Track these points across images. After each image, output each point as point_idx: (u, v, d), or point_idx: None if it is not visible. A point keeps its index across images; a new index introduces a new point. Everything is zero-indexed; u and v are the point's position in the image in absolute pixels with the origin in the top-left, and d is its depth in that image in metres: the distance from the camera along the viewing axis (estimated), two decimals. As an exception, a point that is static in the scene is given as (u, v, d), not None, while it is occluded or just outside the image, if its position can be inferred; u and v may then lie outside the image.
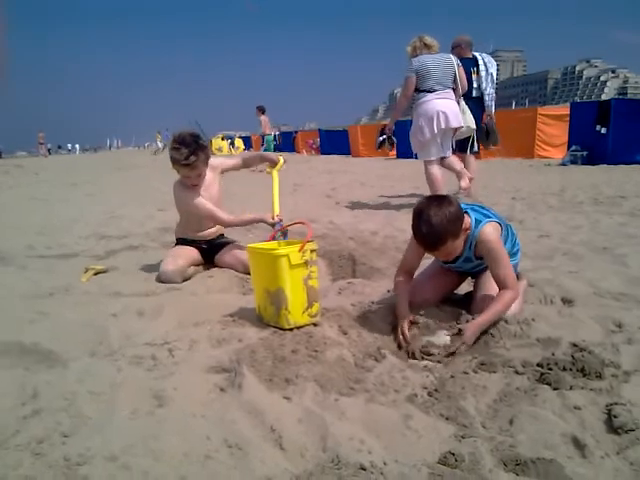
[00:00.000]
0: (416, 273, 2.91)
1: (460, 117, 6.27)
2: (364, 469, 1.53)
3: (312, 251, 2.67)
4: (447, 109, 6.06)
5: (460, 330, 2.41)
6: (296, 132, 35.40)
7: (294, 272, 2.61)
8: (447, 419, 1.83)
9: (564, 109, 15.68)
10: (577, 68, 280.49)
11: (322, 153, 27.69)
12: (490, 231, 2.60)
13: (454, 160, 6.54)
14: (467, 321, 2.55)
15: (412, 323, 2.60)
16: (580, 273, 3.48)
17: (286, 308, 2.59)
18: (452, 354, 2.34)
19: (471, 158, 7.33)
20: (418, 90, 6.14)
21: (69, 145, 75.91)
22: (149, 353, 2.36)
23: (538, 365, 2.14)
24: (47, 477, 1.50)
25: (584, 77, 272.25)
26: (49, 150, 41.52)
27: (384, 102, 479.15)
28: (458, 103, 6.32)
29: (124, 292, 3.37)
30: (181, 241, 3.98)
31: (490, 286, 2.69)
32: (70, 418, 1.81)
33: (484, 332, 2.50)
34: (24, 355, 2.38)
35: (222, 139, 29.83)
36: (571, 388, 1.95)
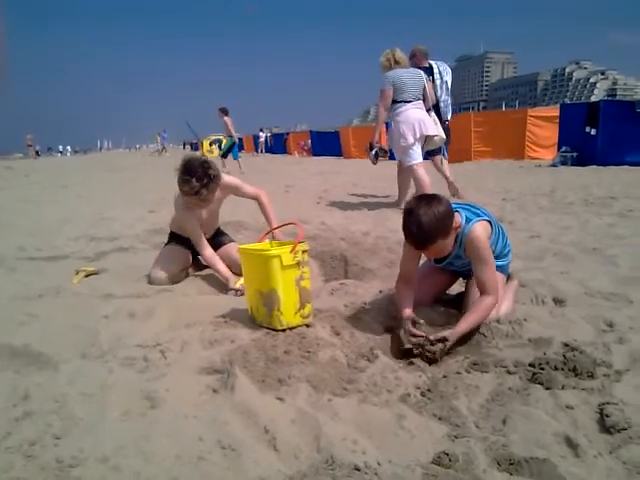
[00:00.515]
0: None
1: (434, 125, 6.73)
2: (358, 469, 1.53)
3: (304, 252, 2.67)
4: (424, 118, 6.56)
5: (445, 339, 2.37)
6: (288, 134, 35.39)
7: (286, 273, 2.61)
8: (440, 419, 1.83)
9: (554, 110, 15.76)
10: (567, 70, 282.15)
11: (314, 155, 27.69)
12: (479, 231, 2.59)
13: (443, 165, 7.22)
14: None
15: (414, 323, 2.55)
16: (571, 273, 3.50)
17: (278, 309, 2.59)
18: (431, 358, 2.34)
19: (445, 162, 7.75)
20: (395, 101, 6.55)
21: (60, 147, 75.45)
22: (141, 354, 2.35)
23: (530, 365, 2.15)
24: (39, 479, 1.49)
25: (574, 79, 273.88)
26: (37, 152, 41.20)
27: (375, 104, 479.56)
28: (429, 113, 6.78)
29: (115, 294, 3.35)
30: (174, 235, 3.93)
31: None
32: (61, 420, 1.80)
33: (476, 332, 2.51)
34: (14, 357, 2.37)
35: (210, 144, 29.73)
36: (563, 388, 1.96)
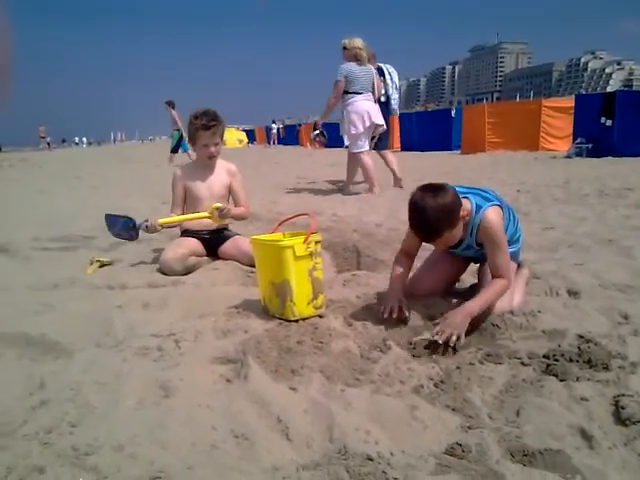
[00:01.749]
0: (418, 261, 2.91)
1: (380, 116, 7.58)
2: (371, 460, 1.53)
3: (317, 242, 2.67)
4: (372, 109, 7.45)
5: (446, 318, 2.36)
6: (300, 125, 35.33)
7: (299, 264, 2.61)
8: (453, 410, 1.83)
9: (569, 101, 15.63)
10: (582, 60, 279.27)
11: (326, 146, 27.59)
12: (493, 216, 2.54)
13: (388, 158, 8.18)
14: None
15: (400, 312, 2.55)
16: (585, 265, 3.47)
17: (291, 300, 2.59)
18: (447, 345, 2.30)
19: (388, 152, 8.54)
20: (347, 92, 7.41)
21: (76, 138, 76.05)
22: (155, 344, 2.37)
23: (544, 356, 2.14)
24: (56, 466, 1.50)
25: (589, 69, 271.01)
26: (48, 144, 41.30)
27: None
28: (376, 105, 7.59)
29: (129, 284, 3.37)
30: (184, 233, 3.99)
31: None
32: (77, 408, 1.82)
33: (490, 324, 2.50)
34: (30, 346, 2.39)
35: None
36: (577, 379, 1.95)
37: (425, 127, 19.61)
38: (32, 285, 3.38)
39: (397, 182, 8.21)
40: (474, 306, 2.41)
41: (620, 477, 1.46)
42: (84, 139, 75.47)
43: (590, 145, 12.62)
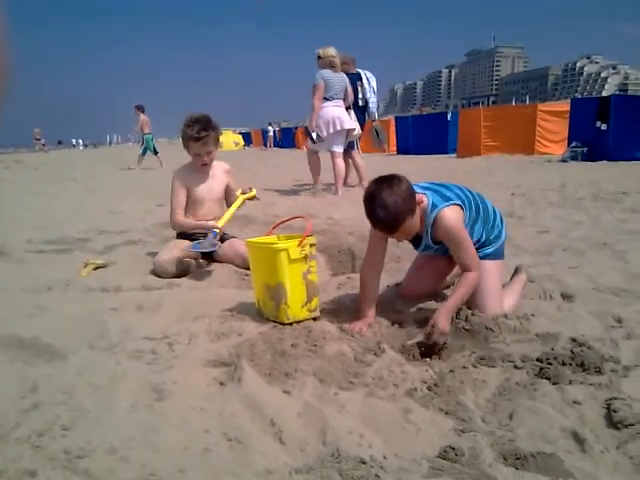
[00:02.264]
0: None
1: (350, 121, 7.97)
2: (364, 463, 1.53)
3: (311, 245, 2.67)
4: (342, 115, 7.83)
5: (432, 326, 2.36)
6: (296, 128, 35.37)
7: (293, 266, 2.61)
8: (446, 413, 1.83)
9: (564, 105, 15.68)
10: (578, 64, 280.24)
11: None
12: (447, 215, 2.52)
13: (357, 160, 8.65)
14: (466, 317, 2.56)
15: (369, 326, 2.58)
16: (580, 269, 3.48)
17: (285, 303, 2.59)
18: (435, 347, 2.33)
19: (357, 155, 8.82)
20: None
21: (73, 140, 75.94)
22: (148, 347, 2.37)
23: (537, 360, 2.14)
24: (47, 470, 1.50)
25: (585, 73, 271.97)
26: (43, 145, 41.13)
27: (384, 99, 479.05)
28: (347, 111, 8.01)
29: (123, 287, 3.37)
30: (180, 235, 3.99)
31: (485, 283, 2.66)
32: (70, 411, 1.81)
33: (484, 327, 2.50)
34: (23, 349, 2.38)
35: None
36: (570, 383, 1.95)
37: (421, 131, 19.65)
38: (26, 287, 3.37)
39: (365, 181, 8.23)
40: (450, 304, 2.47)
41: (612, 480, 1.46)
42: (80, 141, 75.33)
43: (585, 149, 12.66)
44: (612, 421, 1.70)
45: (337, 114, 7.75)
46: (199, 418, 1.77)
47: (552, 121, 15.48)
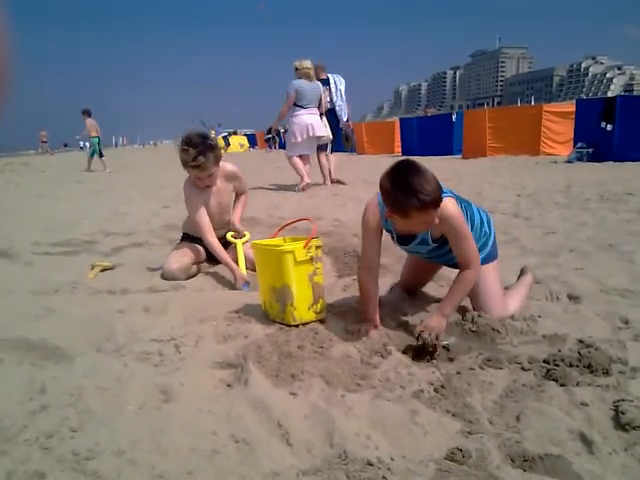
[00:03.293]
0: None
1: (323, 128, 8.72)
2: (371, 465, 1.53)
3: (317, 247, 2.67)
4: (315, 122, 8.57)
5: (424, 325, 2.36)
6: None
7: (299, 268, 2.61)
8: (453, 415, 1.83)
9: (570, 106, 15.61)
10: (583, 65, 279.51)
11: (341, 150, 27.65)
12: (452, 206, 2.42)
13: (323, 164, 9.38)
14: (472, 318, 2.56)
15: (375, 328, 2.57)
16: (586, 270, 3.47)
17: (292, 304, 2.59)
18: (426, 348, 2.30)
19: (330, 157, 9.58)
20: (295, 105, 8.56)
21: (81, 143, 76.79)
22: (155, 349, 2.37)
23: (544, 361, 2.14)
24: (56, 471, 1.51)
25: (590, 74, 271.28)
26: (47, 150, 41.21)
27: (389, 100, 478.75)
28: (321, 117, 8.75)
29: (130, 289, 3.38)
30: (187, 236, 3.97)
31: (485, 287, 2.66)
32: (77, 413, 1.82)
33: (490, 328, 2.50)
34: (31, 351, 2.39)
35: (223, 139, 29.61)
36: (578, 384, 1.95)
37: (426, 132, 19.62)
38: (33, 289, 3.39)
39: (328, 180, 9.48)
40: (446, 307, 2.44)
41: (620, 482, 1.46)
42: (87, 144, 75.96)
43: (591, 150, 12.60)
44: (620, 423, 1.70)
45: (310, 121, 8.54)
46: (206, 420, 1.78)
47: (557, 122, 15.42)
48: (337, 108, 9.39)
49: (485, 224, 2.77)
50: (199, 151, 3.48)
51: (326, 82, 9.21)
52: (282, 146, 19.76)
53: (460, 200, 2.63)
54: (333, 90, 9.31)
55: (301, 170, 8.83)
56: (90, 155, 17.41)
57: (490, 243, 2.77)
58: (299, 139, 8.54)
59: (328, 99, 9.17)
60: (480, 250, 2.66)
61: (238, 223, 3.97)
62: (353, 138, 10.35)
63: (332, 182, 9.35)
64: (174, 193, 8.53)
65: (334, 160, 9.74)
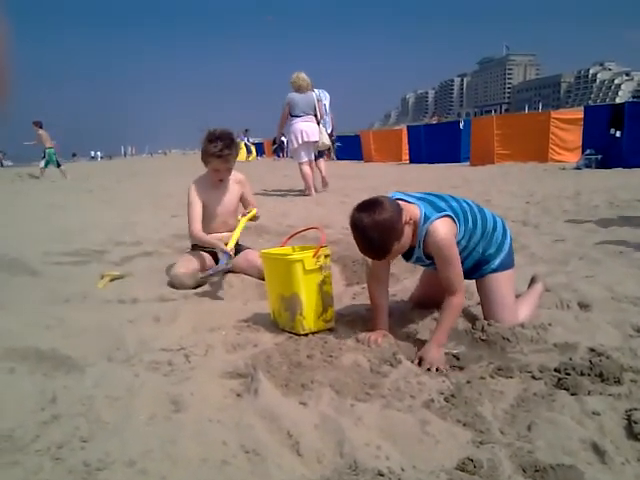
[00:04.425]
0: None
1: (317, 134, 9.45)
2: (382, 475, 1.52)
3: (326, 256, 2.68)
4: (308, 129, 9.34)
5: (420, 359, 2.34)
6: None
7: (308, 277, 2.62)
8: (464, 425, 1.82)
9: (578, 113, 15.57)
10: (591, 71, 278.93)
11: (339, 159, 27.73)
12: (439, 228, 2.43)
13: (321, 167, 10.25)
14: (482, 327, 2.55)
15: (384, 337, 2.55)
16: (596, 277, 3.45)
17: (301, 313, 2.60)
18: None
19: (321, 162, 10.37)
20: (291, 115, 9.39)
21: (92, 152, 78.66)
22: (165, 358, 2.38)
23: (555, 370, 2.13)
24: (67, 482, 1.51)
25: (598, 80, 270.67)
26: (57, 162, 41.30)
27: (396, 107, 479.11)
28: (318, 125, 9.47)
29: (140, 298, 3.39)
30: (197, 247, 4.00)
31: (497, 296, 2.66)
32: (88, 423, 1.83)
33: (500, 337, 2.49)
34: (42, 361, 2.40)
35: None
36: (589, 393, 1.94)
37: (434, 139, 19.63)
38: (43, 299, 3.40)
39: (324, 183, 10.30)
40: (439, 336, 2.40)
41: (634, 493, 1.44)
42: (99, 153, 77.31)
43: (599, 156, 12.55)
44: (632, 432, 1.69)
45: (303, 128, 9.32)
46: (216, 430, 1.78)
47: (566, 129, 15.38)
48: (324, 121, 10.10)
49: (499, 230, 2.75)
50: (226, 144, 3.78)
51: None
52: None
53: (465, 210, 2.61)
54: (321, 104, 9.99)
55: (309, 182, 9.53)
56: (44, 166, 17.79)
57: (504, 250, 2.74)
58: (295, 144, 9.34)
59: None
60: (494, 256, 2.68)
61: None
62: (334, 148, 11.52)
63: (324, 185, 10.25)
64: (183, 202, 8.55)
65: (324, 166, 10.53)
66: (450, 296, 2.45)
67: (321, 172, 10.26)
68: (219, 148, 3.75)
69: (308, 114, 9.38)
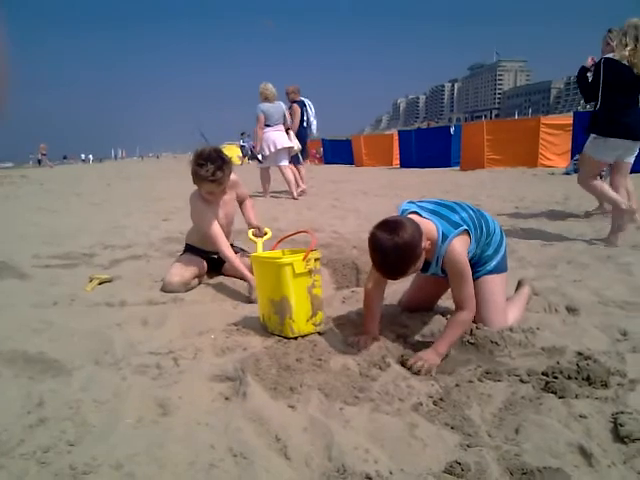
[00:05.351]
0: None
1: (286, 141, 9.88)
2: (370, 478, 1.53)
3: (316, 260, 2.68)
4: (277, 137, 9.81)
5: (415, 359, 2.33)
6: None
7: (298, 281, 2.61)
8: (452, 428, 1.82)
9: (567, 118, 15.69)
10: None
11: (325, 162, 27.77)
12: (457, 247, 2.44)
13: (301, 172, 10.65)
14: (471, 331, 2.56)
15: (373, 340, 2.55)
16: (584, 282, 3.48)
17: (290, 317, 2.59)
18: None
19: (300, 167, 10.77)
20: (265, 124, 9.76)
21: (82, 155, 78.48)
22: (154, 362, 2.37)
23: (543, 374, 2.14)
24: (53, 486, 1.50)
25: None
26: (39, 161, 41.08)
27: (387, 112, 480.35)
28: (287, 133, 9.95)
29: (128, 301, 3.37)
30: (191, 248, 3.96)
31: (490, 297, 2.66)
32: (75, 427, 1.82)
33: (489, 341, 2.50)
34: (29, 364, 2.39)
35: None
36: (576, 397, 1.95)
37: (424, 144, 19.69)
38: (32, 302, 3.38)
39: (302, 190, 10.47)
40: (443, 347, 2.40)
41: (620, 495, 1.45)
42: (90, 156, 76.96)
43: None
44: (619, 435, 1.70)
45: (275, 137, 9.78)
46: (204, 433, 1.77)
47: (555, 134, 15.47)
48: (312, 126, 10.81)
49: (497, 234, 2.79)
50: (217, 166, 3.49)
51: (302, 103, 10.56)
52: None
53: (473, 218, 2.63)
54: (309, 111, 10.66)
55: (266, 185, 10.33)
56: None
57: (500, 253, 2.78)
58: (266, 152, 9.81)
59: (305, 118, 10.56)
60: (491, 257, 2.72)
61: (255, 221, 4.01)
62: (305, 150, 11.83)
63: (303, 191, 10.46)
64: (173, 205, 8.55)
65: (303, 170, 10.96)
66: (460, 311, 2.46)
67: (300, 175, 10.61)
68: (211, 172, 3.48)
69: (278, 123, 9.90)
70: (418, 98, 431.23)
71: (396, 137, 22.23)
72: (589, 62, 5.31)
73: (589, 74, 5.28)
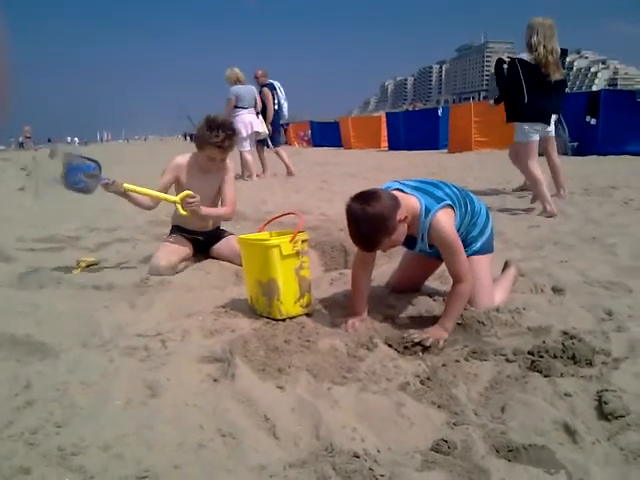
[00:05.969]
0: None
1: (260, 124, 9.95)
2: (357, 457, 1.54)
3: (303, 241, 2.68)
4: (253, 120, 9.86)
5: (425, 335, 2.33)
6: (287, 124, 35.29)
7: (286, 263, 2.61)
8: (439, 407, 1.84)
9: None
10: (568, 59, 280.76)
11: (313, 145, 27.65)
12: (443, 221, 2.44)
13: (282, 156, 10.69)
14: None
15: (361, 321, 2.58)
16: (570, 262, 3.51)
17: (278, 299, 2.59)
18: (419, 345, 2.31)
19: (280, 150, 10.83)
20: (236, 107, 9.72)
21: (68, 138, 76.90)
22: (141, 344, 2.36)
23: (529, 353, 2.16)
24: (42, 467, 1.50)
25: (574, 68, 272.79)
26: (21, 144, 40.42)
27: (375, 94, 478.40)
28: (257, 116, 9.97)
29: (115, 284, 3.36)
30: (177, 228, 3.92)
31: (476, 278, 2.61)
32: (63, 409, 1.82)
33: (475, 321, 2.52)
34: (16, 347, 2.38)
35: None
36: (562, 375, 1.97)
37: (412, 126, 19.64)
38: (18, 286, 3.36)
39: (289, 172, 10.53)
40: (449, 322, 2.43)
41: (603, 472, 1.48)
42: (76, 139, 75.63)
43: (575, 144, 12.67)
44: (603, 413, 1.72)
45: (250, 120, 9.80)
46: (193, 414, 1.78)
47: (543, 116, 15.49)
48: (284, 109, 10.78)
49: (483, 214, 2.80)
50: (228, 135, 3.61)
51: (272, 86, 10.51)
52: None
53: (458, 196, 2.64)
54: (280, 94, 10.62)
55: (251, 168, 10.04)
56: None
57: (486, 234, 2.80)
58: (244, 133, 9.62)
59: (276, 101, 10.48)
60: (476, 239, 2.73)
61: (206, 209, 3.72)
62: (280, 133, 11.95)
63: (289, 173, 10.53)
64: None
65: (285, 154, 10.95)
66: (458, 284, 2.47)
67: (284, 159, 10.64)
68: (221, 139, 3.56)
69: (251, 106, 9.87)
70: (406, 80, 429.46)
71: (384, 119, 22.15)
72: (505, 57, 6.29)
73: (505, 66, 6.26)
